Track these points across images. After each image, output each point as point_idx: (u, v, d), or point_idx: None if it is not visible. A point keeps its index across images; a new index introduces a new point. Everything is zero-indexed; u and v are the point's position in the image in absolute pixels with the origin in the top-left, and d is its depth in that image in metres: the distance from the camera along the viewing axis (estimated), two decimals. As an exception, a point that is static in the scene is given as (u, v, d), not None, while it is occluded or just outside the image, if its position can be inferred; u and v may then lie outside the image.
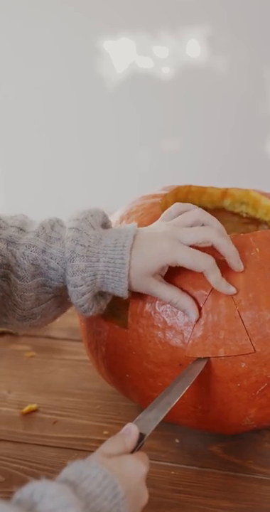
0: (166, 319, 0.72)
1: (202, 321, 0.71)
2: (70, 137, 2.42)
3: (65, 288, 0.72)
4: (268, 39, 2.21)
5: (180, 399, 0.67)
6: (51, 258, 0.71)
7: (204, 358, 0.71)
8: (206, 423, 0.76)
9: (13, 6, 2.30)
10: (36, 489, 0.50)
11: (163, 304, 0.72)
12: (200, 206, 0.91)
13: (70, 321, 1.11)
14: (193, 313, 0.70)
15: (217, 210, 0.92)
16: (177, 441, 0.82)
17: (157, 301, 0.72)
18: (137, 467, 0.57)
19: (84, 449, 0.80)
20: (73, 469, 0.54)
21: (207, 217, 0.72)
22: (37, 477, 0.74)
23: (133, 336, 0.74)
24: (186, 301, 0.70)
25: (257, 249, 0.73)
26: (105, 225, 0.75)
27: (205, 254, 0.68)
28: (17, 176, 2.50)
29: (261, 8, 2.17)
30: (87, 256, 0.69)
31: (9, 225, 0.73)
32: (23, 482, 0.74)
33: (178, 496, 0.73)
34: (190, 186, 0.90)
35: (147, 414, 0.64)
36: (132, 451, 0.60)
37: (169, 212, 0.75)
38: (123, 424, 0.84)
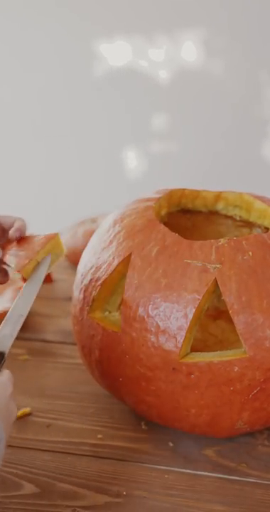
0: (159, 323, 0.72)
1: None
2: (66, 139, 2.42)
3: None
4: (264, 42, 2.21)
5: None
6: None
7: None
8: (199, 426, 0.76)
9: (10, 9, 2.30)
10: None
11: (156, 308, 0.72)
12: (193, 210, 0.92)
13: (64, 324, 1.11)
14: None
15: (210, 214, 0.93)
16: (170, 444, 0.82)
17: (150, 305, 0.72)
18: (4, 386, 0.64)
19: (78, 452, 0.80)
20: None
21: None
22: (30, 481, 0.75)
23: (126, 340, 0.74)
24: None
25: (250, 253, 0.73)
26: None
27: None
28: (12, 176, 2.50)
29: (257, 11, 2.17)
30: None
31: None
32: (16, 486, 0.75)
33: (172, 500, 0.73)
34: (184, 190, 0.90)
35: (2, 331, 0.68)
36: None
37: None
38: (117, 428, 0.85)
